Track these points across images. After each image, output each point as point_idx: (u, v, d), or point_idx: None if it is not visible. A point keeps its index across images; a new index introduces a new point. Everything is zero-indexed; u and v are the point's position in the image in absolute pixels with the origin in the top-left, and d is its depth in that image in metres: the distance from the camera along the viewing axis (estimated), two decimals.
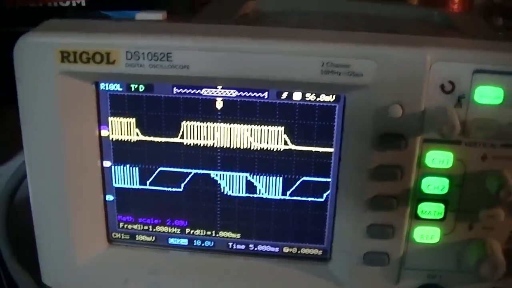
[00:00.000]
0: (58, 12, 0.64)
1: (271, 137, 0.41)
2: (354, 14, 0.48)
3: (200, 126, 0.42)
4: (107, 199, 0.45)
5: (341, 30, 0.40)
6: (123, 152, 0.43)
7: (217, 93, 0.41)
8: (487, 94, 0.37)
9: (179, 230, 0.45)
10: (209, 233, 0.45)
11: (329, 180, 0.42)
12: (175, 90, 0.41)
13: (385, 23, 0.46)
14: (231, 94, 0.40)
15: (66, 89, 0.40)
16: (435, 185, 0.39)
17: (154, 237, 0.46)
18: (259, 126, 0.41)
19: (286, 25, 0.43)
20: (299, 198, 0.43)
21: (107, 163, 0.44)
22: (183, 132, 0.42)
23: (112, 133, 0.43)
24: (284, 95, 0.40)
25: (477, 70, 0.37)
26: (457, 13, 0.56)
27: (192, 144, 0.42)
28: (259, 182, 0.43)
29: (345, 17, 0.47)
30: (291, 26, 0.42)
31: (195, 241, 0.46)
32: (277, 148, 0.42)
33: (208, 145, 0.42)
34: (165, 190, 0.44)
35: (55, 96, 0.40)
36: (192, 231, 0.45)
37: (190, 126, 0.42)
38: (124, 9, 0.63)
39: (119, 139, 0.43)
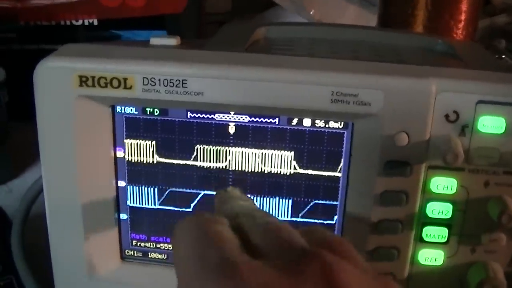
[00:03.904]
0: (70, 30, 0.65)
1: (281, 161, 0.43)
2: (360, 42, 0.49)
3: (213, 150, 0.43)
4: (121, 217, 0.46)
5: (349, 59, 0.41)
6: (137, 172, 0.45)
7: (229, 119, 0.42)
8: (490, 124, 0.39)
9: None
10: None
11: (336, 203, 0.43)
12: (189, 114, 0.42)
13: (391, 52, 0.47)
14: (243, 119, 0.42)
15: (84, 111, 0.41)
16: (439, 210, 0.41)
17: (166, 255, 0.47)
18: (270, 150, 0.43)
19: (296, 53, 0.45)
20: (307, 220, 0.44)
21: (121, 183, 0.45)
22: (196, 155, 0.43)
23: (127, 154, 0.44)
24: (295, 121, 0.42)
25: (481, 100, 0.38)
26: (460, 41, 0.58)
27: (204, 167, 0.44)
28: (269, 204, 0.44)
29: (352, 45, 0.48)
30: (301, 54, 0.44)
31: None
32: (287, 172, 0.43)
33: (220, 168, 0.44)
34: (176, 210, 0.45)
35: (73, 118, 0.41)
36: None
37: (203, 149, 0.43)
38: (135, 29, 0.65)
39: (134, 160, 0.44)
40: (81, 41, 0.45)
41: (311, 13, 0.78)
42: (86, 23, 0.65)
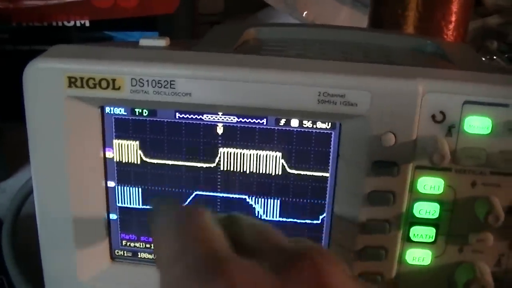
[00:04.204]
0: (62, 31, 0.65)
1: (269, 162, 0.43)
2: (350, 43, 0.49)
3: (201, 150, 0.43)
4: (110, 217, 0.46)
5: (338, 60, 0.41)
6: (126, 173, 0.45)
7: (218, 119, 0.42)
8: (476, 124, 0.39)
9: None
10: None
11: (325, 203, 0.43)
12: (177, 115, 0.43)
13: (381, 53, 0.47)
14: (231, 120, 0.42)
15: (73, 112, 0.41)
16: (426, 210, 0.41)
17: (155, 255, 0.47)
18: (258, 151, 0.43)
19: (285, 54, 0.45)
20: (296, 220, 0.44)
21: (111, 183, 0.45)
22: (184, 155, 0.43)
23: (116, 155, 0.44)
24: (282, 121, 0.42)
25: (467, 101, 0.38)
26: (450, 43, 0.58)
27: (193, 167, 0.44)
28: (257, 204, 0.44)
29: (342, 45, 0.49)
30: (290, 55, 0.44)
31: None
32: (275, 172, 0.43)
33: (209, 168, 0.44)
34: None
35: (62, 119, 0.41)
36: None
37: (192, 150, 0.43)
38: (128, 30, 0.65)
39: (123, 161, 0.44)
40: (74, 42, 0.45)
41: (304, 14, 0.78)
42: (78, 24, 0.65)
